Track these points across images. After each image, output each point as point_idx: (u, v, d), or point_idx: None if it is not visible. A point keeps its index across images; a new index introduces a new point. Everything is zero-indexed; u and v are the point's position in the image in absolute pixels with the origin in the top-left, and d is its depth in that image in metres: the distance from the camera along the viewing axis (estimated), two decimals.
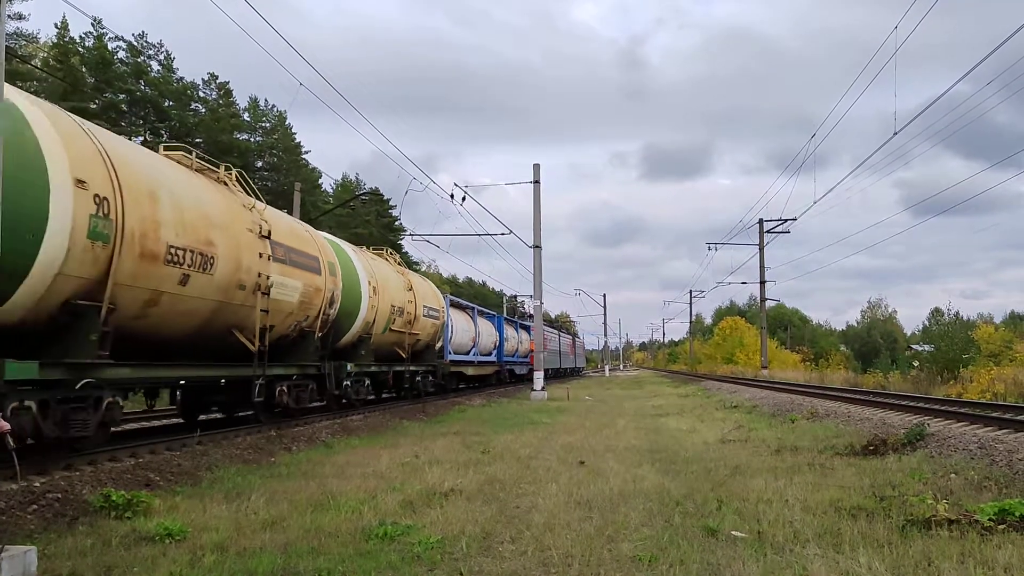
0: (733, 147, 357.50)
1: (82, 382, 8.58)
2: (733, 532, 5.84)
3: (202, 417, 14.44)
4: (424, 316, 22.59)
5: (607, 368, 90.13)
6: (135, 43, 48.92)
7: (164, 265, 9.86)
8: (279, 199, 44.84)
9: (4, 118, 6.29)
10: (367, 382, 18.54)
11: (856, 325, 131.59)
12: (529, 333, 44.63)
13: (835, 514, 6.43)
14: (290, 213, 22.63)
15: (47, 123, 8.26)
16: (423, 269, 73.13)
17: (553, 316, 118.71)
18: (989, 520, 5.78)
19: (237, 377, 12.44)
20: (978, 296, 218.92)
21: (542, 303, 31.14)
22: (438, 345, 25.38)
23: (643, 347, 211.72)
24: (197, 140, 51.53)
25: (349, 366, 16.90)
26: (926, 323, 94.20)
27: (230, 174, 12.89)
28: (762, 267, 48.48)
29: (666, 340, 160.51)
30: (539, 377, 28.99)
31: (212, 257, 10.98)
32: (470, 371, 32.03)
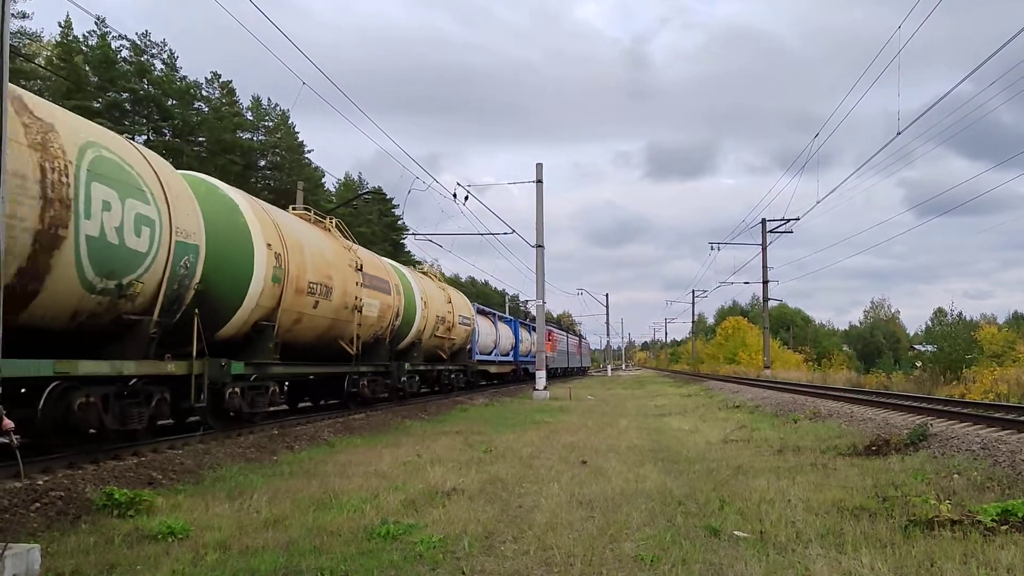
0: (737, 146, 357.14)
1: (254, 375, 12.83)
2: (735, 532, 5.83)
3: (300, 404, 18.89)
4: (459, 324, 27.01)
5: (609, 368, 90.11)
6: (138, 42, 49.00)
7: (306, 295, 14.15)
8: (282, 198, 44.90)
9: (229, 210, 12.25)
10: (417, 378, 23.16)
11: (859, 325, 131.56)
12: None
13: (838, 514, 6.42)
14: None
15: (247, 206, 12.68)
16: (425, 268, 73.23)
17: (555, 316, 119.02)
18: (992, 521, 5.77)
19: (339, 373, 17.20)
20: (981, 296, 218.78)
21: (544, 303, 31.14)
22: (468, 347, 29.71)
23: (645, 347, 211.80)
24: (200, 139, 51.63)
25: (407, 365, 21.27)
26: (929, 323, 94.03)
27: (333, 223, 17.44)
28: (764, 267, 48.46)
29: (668, 340, 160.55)
30: (541, 377, 28.99)
31: (330, 287, 15.28)
32: (493, 369, 36.12)
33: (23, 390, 8.14)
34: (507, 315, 46.14)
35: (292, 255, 13.46)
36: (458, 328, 26.66)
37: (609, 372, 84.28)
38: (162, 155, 12.48)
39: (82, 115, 9.80)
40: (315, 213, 16.99)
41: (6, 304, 5.07)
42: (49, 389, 8.23)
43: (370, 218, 69.46)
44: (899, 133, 20.78)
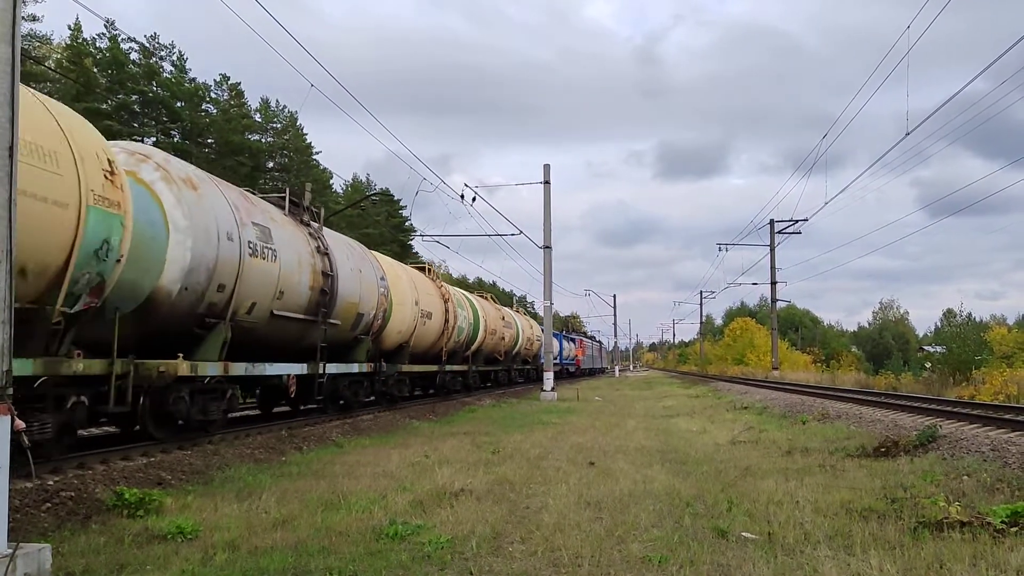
0: (751, 146, 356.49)
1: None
2: (743, 533, 5.83)
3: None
4: (536, 339, 41.82)
5: (617, 368, 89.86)
6: (147, 44, 49.19)
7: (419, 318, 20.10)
8: None
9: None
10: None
11: (868, 326, 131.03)
12: (574, 343, 66.98)
13: (846, 516, 6.41)
14: None
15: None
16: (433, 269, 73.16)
17: (563, 317, 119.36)
18: (1001, 522, 5.75)
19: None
20: (994, 297, 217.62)
21: (552, 304, 31.11)
22: (533, 355, 43.12)
23: (653, 348, 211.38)
24: (209, 140, 51.81)
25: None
26: (938, 324, 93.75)
27: (437, 270, 22.62)
28: (773, 268, 48.33)
29: (676, 341, 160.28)
30: (548, 378, 28.93)
31: (431, 313, 21.62)
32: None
33: None
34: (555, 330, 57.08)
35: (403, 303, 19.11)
36: (535, 343, 41.90)
37: (617, 373, 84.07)
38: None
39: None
40: (420, 264, 23.28)
41: None
42: None
43: (378, 219, 69.52)
44: (908, 133, 20.71)
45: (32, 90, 8.05)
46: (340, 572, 4.80)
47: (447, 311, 23.75)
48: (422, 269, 24.62)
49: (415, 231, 63.55)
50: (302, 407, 16.51)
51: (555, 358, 47.61)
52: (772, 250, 48.13)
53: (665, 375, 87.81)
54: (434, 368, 23.31)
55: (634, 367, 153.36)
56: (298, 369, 13.72)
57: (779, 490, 7.65)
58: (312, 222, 14.94)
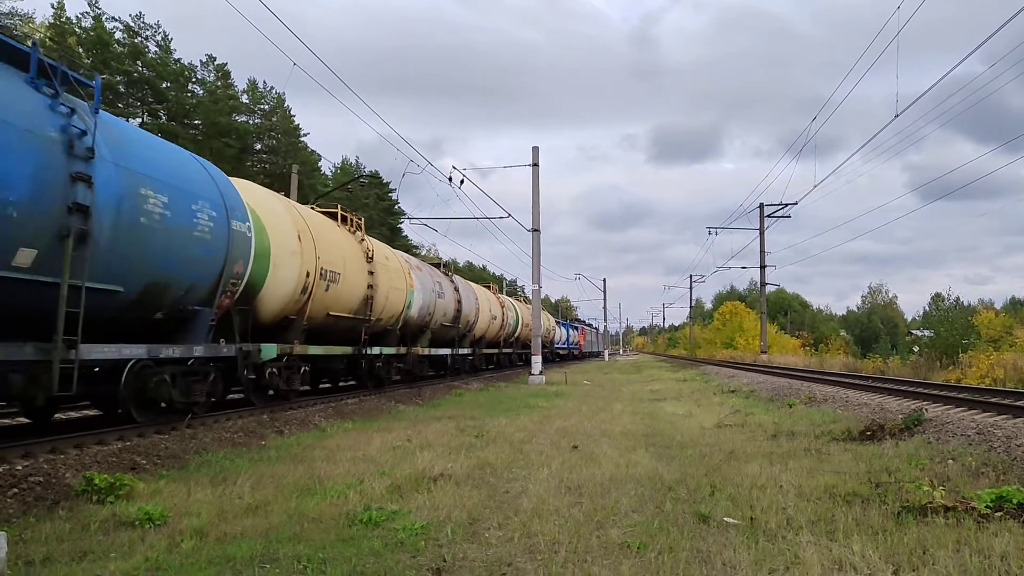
0: (745, 130, 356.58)
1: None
2: (725, 518, 5.72)
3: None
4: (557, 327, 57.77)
5: (607, 353, 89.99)
6: (132, 24, 48.54)
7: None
8: (277, 182, 44.60)
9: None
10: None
11: (857, 311, 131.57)
12: (577, 331, 78.03)
13: (830, 500, 6.31)
14: (287, 195, 22.88)
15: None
16: (423, 252, 73.01)
17: (553, 301, 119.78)
18: (986, 507, 5.66)
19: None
20: (982, 282, 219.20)
21: (540, 287, 30.98)
22: (552, 340, 54.84)
23: (643, 332, 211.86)
24: (195, 122, 51.30)
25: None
26: (927, 308, 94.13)
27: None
28: (762, 251, 48.32)
29: (666, 325, 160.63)
30: (537, 361, 28.86)
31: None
32: (562, 352, 64.75)
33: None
34: (562, 320, 76.34)
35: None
36: (551, 330, 55.02)
37: (607, 357, 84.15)
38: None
39: None
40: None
41: None
42: None
43: (367, 202, 69.12)
44: (897, 116, 20.61)
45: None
46: (309, 560, 4.66)
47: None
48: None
49: (404, 214, 63.22)
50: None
51: (563, 343, 65.34)
52: (762, 234, 48.11)
53: (655, 359, 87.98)
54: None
55: (624, 351, 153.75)
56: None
57: (763, 474, 7.55)
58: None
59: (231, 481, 7.19)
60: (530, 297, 33.23)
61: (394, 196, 70.30)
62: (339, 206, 18.70)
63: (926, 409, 12.20)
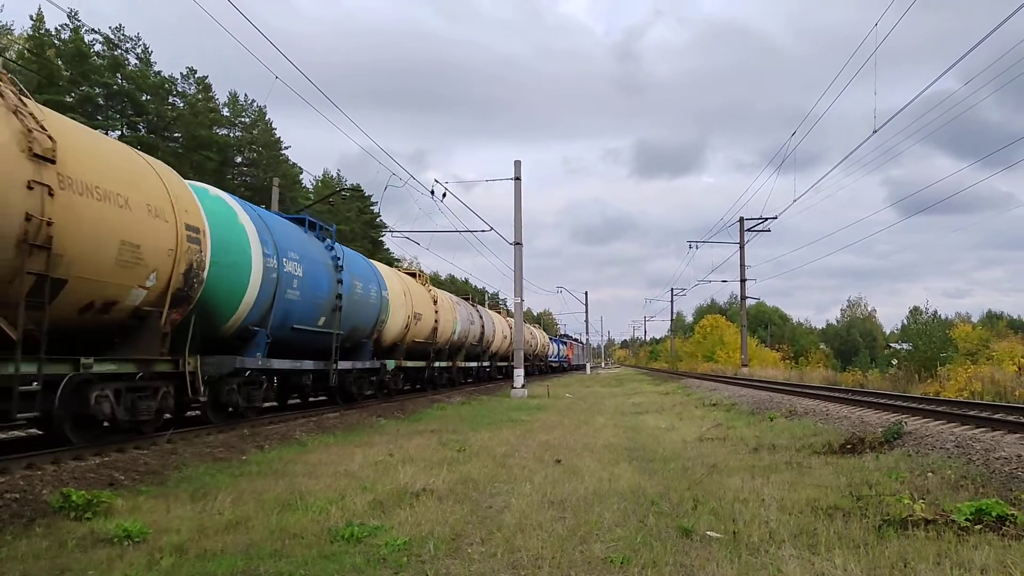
0: (728, 143, 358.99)
1: None
2: (708, 532, 5.73)
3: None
4: (548, 343, 64.63)
5: (588, 366, 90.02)
6: (112, 36, 48.30)
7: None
8: (258, 194, 44.42)
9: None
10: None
11: (836, 324, 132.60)
12: (565, 345, 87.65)
13: (811, 514, 6.34)
14: (268, 208, 23.03)
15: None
16: (405, 265, 72.84)
17: (536, 314, 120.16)
18: (966, 520, 5.71)
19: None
20: (960, 295, 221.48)
21: (522, 300, 30.99)
22: (547, 354, 63.01)
23: (625, 345, 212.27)
24: (176, 135, 51.02)
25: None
26: (905, 322, 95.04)
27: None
28: (743, 265, 48.64)
29: (648, 338, 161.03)
30: (519, 375, 28.81)
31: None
32: (554, 364, 71.75)
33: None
34: (555, 336, 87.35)
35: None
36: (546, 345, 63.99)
37: (588, 370, 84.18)
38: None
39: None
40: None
41: None
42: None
43: (348, 215, 68.95)
44: (875, 131, 20.86)
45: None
46: None
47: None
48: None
49: (385, 227, 63.13)
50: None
51: (556, 357, 73.88)
52: (742, 248, 48.44)
53: (636, 372, 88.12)
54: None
55: (606, 364, 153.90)
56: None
57: (745, 488, 7.58)
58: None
59: (211, 497, 7.11)
60: (512, 310, 33.25)
61: (375, 209, 70.21)
62: (419, 271, 28.20)
63: (905, 422, 12.30)
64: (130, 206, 9.37)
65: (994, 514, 5.78)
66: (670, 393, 30.07)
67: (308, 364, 16.05)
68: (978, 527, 5.60)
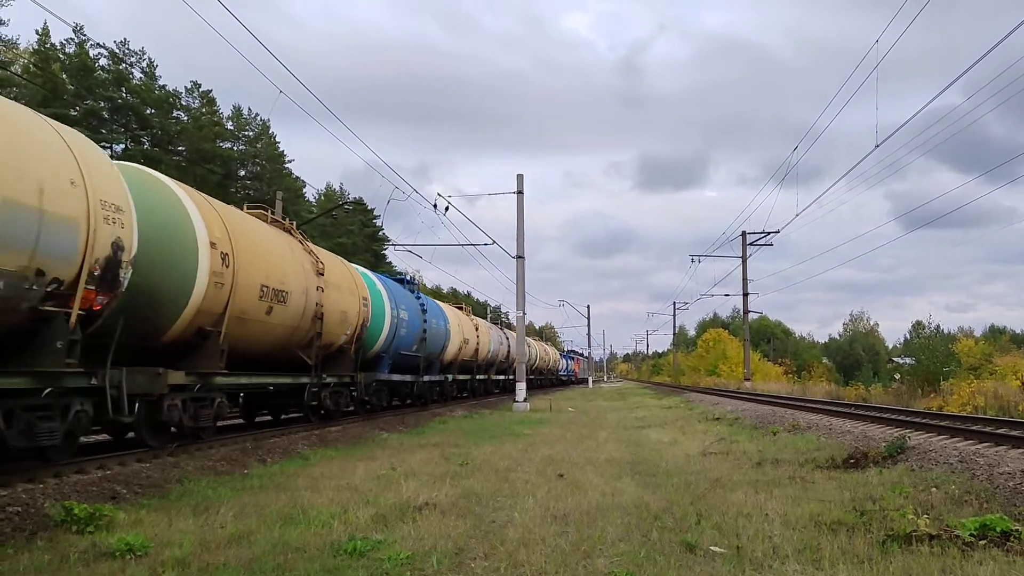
0: (730, 157, 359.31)
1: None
2: (712, 547, 5.71)
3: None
4: (558, 358, 73.53)
5: (590, 379, 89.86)
6: (117, 50, 48.59)
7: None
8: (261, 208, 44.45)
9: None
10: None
11: (838, 338, 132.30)
12: (573, 360, 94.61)
13: (815, 529, 6.32)
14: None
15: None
16: (408, 278, 72.85)
17: (538, 327, 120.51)
18: (970, 536, 5.69)
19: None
20: (963, 309, 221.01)
21: (525, 314, 31.01)
22: (557, 368, 70.62)
23: (627, 358, 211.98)
24: (180, 148, 51.23)
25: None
26: (908, 336, 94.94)
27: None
28: (745, 279, 48.65)
29: (650, 352, 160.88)
30: (521, 388, 28.76)
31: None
32: (563, 378, 78.34)
33: None
34: (565, 351, 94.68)
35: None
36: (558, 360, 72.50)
37: (590, 384, 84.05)
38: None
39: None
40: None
41: None
42: None
43: (351, 229, 69.13)
44: (877, 146, 20.93)
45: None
46: None
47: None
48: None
49: (388, 240, 63.25)
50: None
51: (566, 371, 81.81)
52: (744, 262, 48.47)
53: (639, 386, 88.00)
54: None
55: (608, 378, 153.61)
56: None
57: (748, 502, 7.55)
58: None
59: (213, 510, 7.11)
60: (514, 323, 33.30)
61: (378, 223, 70.34)
62: (465, 305, 36.63)
63: (908, 437, 12.27)
64: (349, 294, 17.64)
65: (998, 529, 5.76)
66: (673, 407, 30.01)
67: (408, 377, 23.51)
68: (982, 543, 5.58)
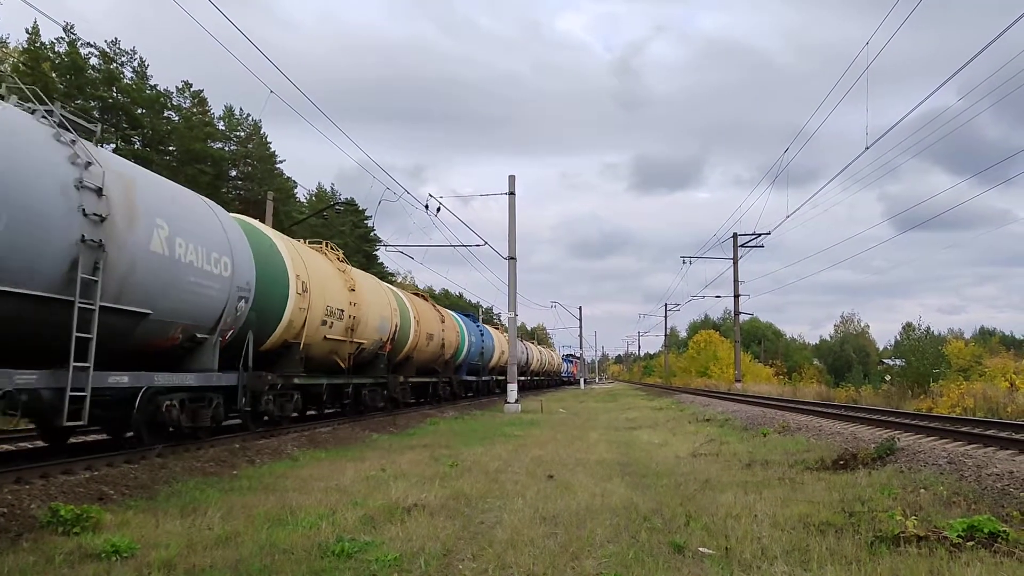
0: (726, 159, 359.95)
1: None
2: (700, 548, 5.71)
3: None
4: (562, 362, 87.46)
5: (582, 381, 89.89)
6: (108, 49, 48.37)
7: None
8: (252, 208, 44.36)
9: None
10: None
11: (829, 339, 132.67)
12: (571, 363, 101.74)
13: (804, 530, 6.33)
14: (263, 222, 23.09)
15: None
16: (399, 280, 72.85)
17: (530, 329, 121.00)
18: (958, 537, 5.70)
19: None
20: (954, 311, 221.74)
21: (516, 315, 30.97)
22: (559, 370, 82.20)
23: (619, 360, 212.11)
24: (170, 148, 51.02)
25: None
26: (898, 337, 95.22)
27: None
28: (736, 281, 48.74)
29: (642, 353, 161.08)
30: (512, 389, 28.71)
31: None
32: (564, 378, 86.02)
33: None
34: (566, 355, 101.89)
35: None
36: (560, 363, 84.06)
37: (582, 385, 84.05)
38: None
39: None
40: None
41: None
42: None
43: (343, 229, 68.92)
44: (867, 148, 20.96)
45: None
46: None
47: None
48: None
49: (380, 241, 63.13)
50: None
51: (566, 373, 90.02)
52: (735, 263, 48.56)
53: (630, 387, 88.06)
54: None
55: (600, 379, 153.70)
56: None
57: (738, 504, 7.56)
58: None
59: (201, 512, 7.07)
60: (506, 324, 33.31)
61: (370, 223, 70.15)
62: (499, 323, 43.95)
63: (898, 438, 12.31)
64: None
65: (986, 531, 5.78)
66: (664, 408, 30.02)
67: (471, 377, 35.29)
68: (970, 544, 5.60)
